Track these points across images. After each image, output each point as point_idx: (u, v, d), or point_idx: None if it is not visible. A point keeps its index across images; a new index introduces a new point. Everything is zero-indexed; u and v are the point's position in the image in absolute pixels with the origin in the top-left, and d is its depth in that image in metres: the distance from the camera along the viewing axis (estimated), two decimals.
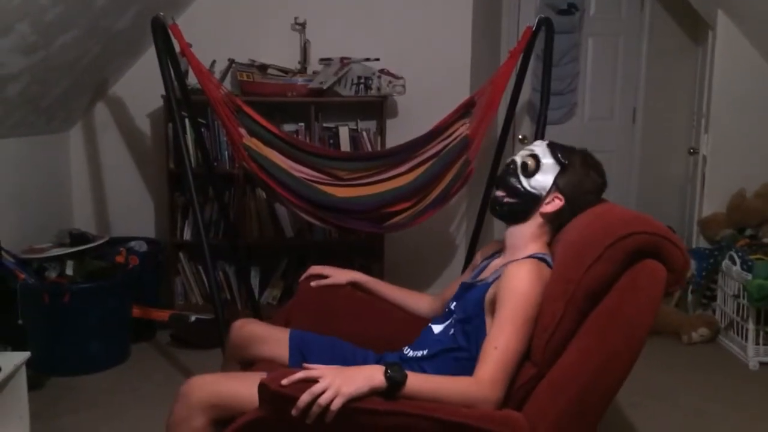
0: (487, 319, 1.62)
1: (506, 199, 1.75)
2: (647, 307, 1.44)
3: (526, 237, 1.73)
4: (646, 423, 2.63)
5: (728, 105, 3.66)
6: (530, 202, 1.73)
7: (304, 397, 1.32)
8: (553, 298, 1.53)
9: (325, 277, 2.14)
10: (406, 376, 1.39)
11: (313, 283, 2.13)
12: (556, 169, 1.72)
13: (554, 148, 1.75)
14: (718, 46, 3.64)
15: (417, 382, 1.42)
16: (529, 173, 1.73)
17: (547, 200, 1.72)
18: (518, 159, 1.77)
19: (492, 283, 1.66)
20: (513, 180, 1.75)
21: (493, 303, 1.59)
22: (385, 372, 1.38)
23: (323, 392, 1.32)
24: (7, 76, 2.72)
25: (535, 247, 1.71)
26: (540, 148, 1.76)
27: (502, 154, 3.41)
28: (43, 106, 3.21)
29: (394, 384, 1.38)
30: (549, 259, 1.67)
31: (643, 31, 4.27)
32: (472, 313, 1.67)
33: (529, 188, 1.72)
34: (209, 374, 1.63)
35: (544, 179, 1.72)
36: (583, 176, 1.73)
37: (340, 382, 1.34)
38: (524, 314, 1.53)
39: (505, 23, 4.19)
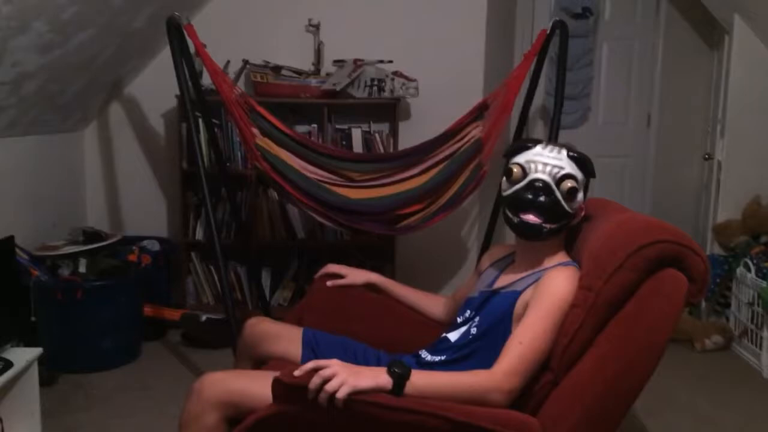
0: (514, 327, 1.61)
1: (546, 225, 1.63)
2: (668, 315, 1.42)
3: (551, 250, 1.70)
4: (658, 431, 2.61)
5: (744, 110, 3.62)
6: (568, 221, 1.68)
7: (315, 380, 1.35)
8: (573, 305, 1.53)
9: (342, 276, 2.13)
10: (409, 371, 1.40)
11: (329, 283, 2.12)
12: (584, 182, 1.69)
13: (581, 162, 1.67)
14: (735, 51, 3.61)
15: (423, 376, 1.44)
16: (573, 197, 1.64)
17: (578, 214, 1.71)
18: (547, 179, 1.63)
19: (522, 291, 1.63)
20: (550, 204, 1.62)
21: (525, 310, 1.58)
22: (388, 369, 1.40)
23: (331, 378, 1.35)
24: (23, 74, 2.74)
25: (562, 256, 1.70)
26: (566, 162, 1.65)
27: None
28: (59, 104, 3.23)
29: (399, 379, 1.38)
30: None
31: (658, 36, 4.25)
32: (495, 320, 1.65)
33: (569, 210, 1.65)
34: (222, 371, 1.64)
35: (580, 197, 1.68)
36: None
37: (347, 374, 1.36)
38: (556, 318, 1.52)
39: (519, 26, 4.19)
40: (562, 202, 1.63)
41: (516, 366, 1.47)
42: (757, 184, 3.63)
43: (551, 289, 1.55)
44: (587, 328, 1.49)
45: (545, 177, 1.63)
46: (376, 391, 1.37)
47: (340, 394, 1.33)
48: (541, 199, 1.62)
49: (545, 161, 1.65)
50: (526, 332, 1.51)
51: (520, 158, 1.68)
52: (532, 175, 1.64)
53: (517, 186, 1.66)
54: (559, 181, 1.63)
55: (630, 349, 1.43)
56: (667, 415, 2.74)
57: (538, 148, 1.67)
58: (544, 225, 1.63)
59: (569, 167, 1.64)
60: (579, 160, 1.67)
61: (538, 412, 1.51)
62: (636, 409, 2.71)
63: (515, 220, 1.66)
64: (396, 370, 1.39)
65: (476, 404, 1.43)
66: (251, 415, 1.44)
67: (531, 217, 1.63)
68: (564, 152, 1.66)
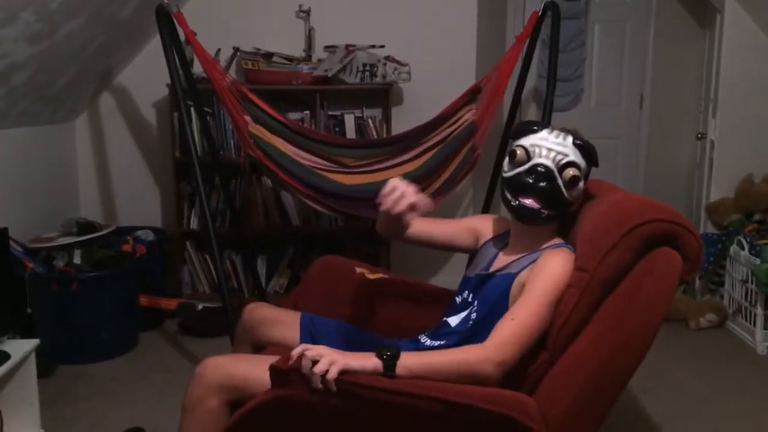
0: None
1: (545, 211, 1.63)
2: (662, 294, 1.43)
3: (545, 234, 1.71)
4: (653, 408, 2.63)
5: (736, 89, 3.63)
6: (566, 209, 1.68)
7: (304, 362, 1.36)
8: (569, 285, 1.53)
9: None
10: (399, 352, 1.41)
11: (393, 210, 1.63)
12: (586, 171, 1.69)
13: (586, 150, 1.65)
14: (726, 30, 3.61)
15: (413, 356, 1.45)
16: (574, 185, 1.64)
17: (576, 202, 1.71)
18: (550, 165, 1.62)
19: (518, 273, 1.64)
20: (550, 190, 1.62)
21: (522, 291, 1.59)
22: (377, 353, 1.40)
23: (319, 360, 1.35)
24: (12, 65, 2.72)
25: (556, 239, 1.71)
26: (570, 149, 1.63)
27: (508, 140, 3.40)
28: (49, 95, 3.21)
29: (390, 361, 1.39)
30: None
31: (649, 17, 4.23)
32: (493, 303, 1.65)
33: (569, 198, 1.65)
34: (223, 355, 1.65)
35: (581, 185, 1.67)
36: None
37: (336, 356, 1.37)
38: (551, 297, 1.52)
39: (511, 8, 4.17)
40: (563, 190, 1.63)
41: (507, 339, 1.47)
42: (749, 162, 3.64)
43: (548, 269, 1.56)
44: (582, 308, 1.49)
45: (548, 163, 1.62)
46: (367, 373, 1.38)
47: (331, 375, 1.34)
48: (542, 184, 1.62)
49: (550, 147, 1.63)
50: (519, 310, 1.52)
51: (525, 141, 1.67)
52: (536, 160, 1.63)
53: (519, 169, 1.65)
54: (562, 168, 1.62)
55: (625, 328, 1.44)
56: (662, 392, 2.76)
57: (544, 133, 1.66)
58: (542, 210, 1.63)
59: (573, 155, 1.63)
60: (584, 148, 1.65)
61: (535, 391, 1.52)
62: (631, 386, 2.73)
63: (514, 202, 1.66)
64: (385, 353, 1.40)
65: (468, 378, 1.43)
66: (251, 400, 1.45)
67: (530, 202, 1.63)
68: (569, 139, 1.65)
